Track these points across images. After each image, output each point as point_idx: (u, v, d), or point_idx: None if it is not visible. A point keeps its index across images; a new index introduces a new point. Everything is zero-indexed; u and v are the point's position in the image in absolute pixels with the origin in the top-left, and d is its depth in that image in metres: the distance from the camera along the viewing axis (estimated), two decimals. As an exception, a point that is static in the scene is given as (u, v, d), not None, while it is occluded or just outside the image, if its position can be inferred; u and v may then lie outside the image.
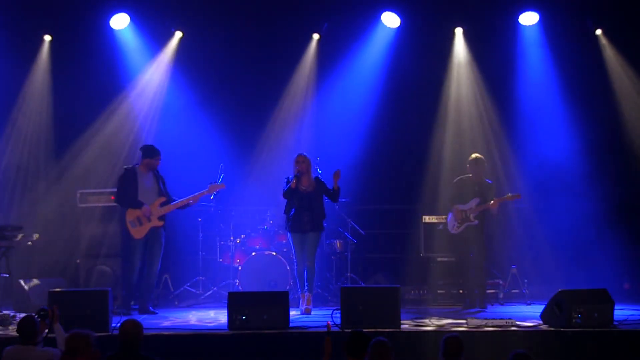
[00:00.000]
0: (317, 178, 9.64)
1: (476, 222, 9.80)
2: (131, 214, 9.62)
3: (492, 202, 9.76)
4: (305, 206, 9.42)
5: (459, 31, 11.87)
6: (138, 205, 9.59)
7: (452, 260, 10.59)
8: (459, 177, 10.17)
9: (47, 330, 6.42)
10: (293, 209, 9.45)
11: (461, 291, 10.28)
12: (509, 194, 9.93)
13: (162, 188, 9.83)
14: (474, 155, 10.10)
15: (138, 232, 9.60)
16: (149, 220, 9.62)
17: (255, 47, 11.77)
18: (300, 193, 9.45)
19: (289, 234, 9.60)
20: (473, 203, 9.83)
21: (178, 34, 11.74)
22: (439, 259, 10.78)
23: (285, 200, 9.59)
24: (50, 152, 11.62)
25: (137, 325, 5.78)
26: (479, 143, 11.56)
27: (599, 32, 11.72)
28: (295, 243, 9.52)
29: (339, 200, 11.03)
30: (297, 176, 9.42)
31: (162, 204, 9.71)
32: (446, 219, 10.22)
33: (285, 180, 9.52)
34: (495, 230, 11.25)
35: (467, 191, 9.90)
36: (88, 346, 5.35)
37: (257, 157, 11.79)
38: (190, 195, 9.83)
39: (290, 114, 11.92)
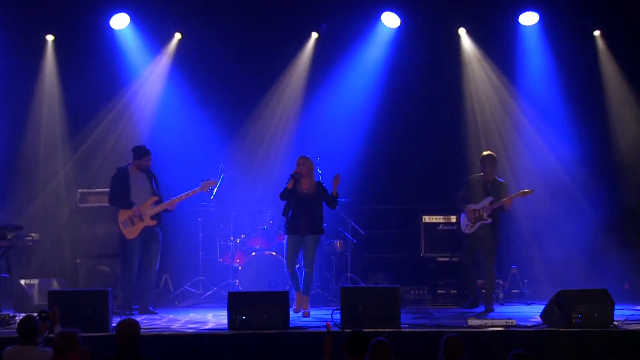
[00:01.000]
0: (319, 183, 9.51)
1: (490, 220, 9.67)
2: (123, 215, 9.62)
3: (506, 199, 9.62)
4: (304, 208, 9.27)
5: (462, 31, 11.85)
6: (128, 205, 9.59)
7: (452, 261, 10.59)
8: (470, 176, 10.02)
9: (47, 331, 6.42)
10: (291, 211, 9.33)
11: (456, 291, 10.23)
12: (523, 190, 9.75)
13: (154, 187, 9.83)
14: (485, 153, 9.94)
15: (130, 232, 9.60)
16: (141, 220, 9.61)
17: (254, 47, 11.76)
18: (300, 195, 9.31)
19: (285, 235, 9.48)
20: (486, 202, 9.70)
21: (177, 35, 11.73)
22: (439, 259, 10.79)
23: (284, 202, 9.46)
24: (51, 151, 11.62)
25: (133, 325, 5.77)
26: (479, 143, 11.57)
27: (597, 33, 11.71)
28: (289, 244, 9.33)
29: (338, 200, 11.06)
30: (295, 177, 9.24)
31: (155, 204, 9.70)
32: (459, 219, 10.16)
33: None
34: (495, 230, 11.26)
35: (479, 190, 9.75)
36: (75, 344, 5.38)
37: (257, 156, 11.78)
38: (183, 194, 9.81)
39: (290, 113, 11.91)
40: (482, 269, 9.87)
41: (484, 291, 9.86)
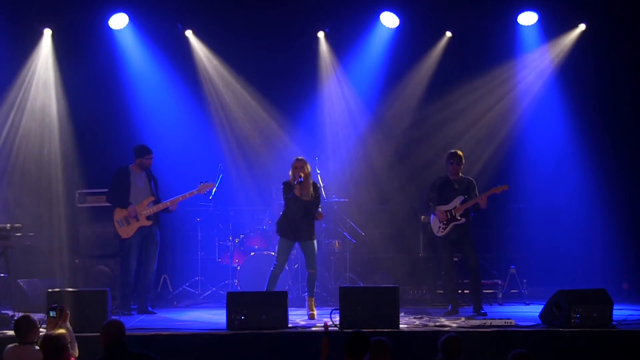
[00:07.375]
0: (315, 184, 9.26)
1: (463, 220, 9.34)
2: (119, 214, 9.63)
3: (481, 197, 9.26)
4: (302, 213, 9.06)
5: (447, 34, 11.88)
6: (125, 204, 9.60)
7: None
8: (437, 177, 9.67)
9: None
10: (290, 215, 9.08)
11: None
12: (496, 187, 9.38)
13: (153, 189, 9.82)
14: (450, 152, 9.56)
15: (125, 232, 9.60)
16: (137, 219, 9.61)
17: (254, 49, 11.74)
18: (299, 199, 9.06)
19: (279, 238, 9.23)
20: (457, 201, 9.37)
21: (176, 32, 11.72)
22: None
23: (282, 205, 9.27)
24: (51, 151, 11.61)
25: (119, 325, 5.75)
26: (479, 142, 11.57)
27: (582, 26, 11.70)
28: (283, 247, 9.12)
29: (337, 200, 11.08)
30: (301, 182, 8.98)
31: (152, 204, 9.69)
32: (429, 221, 9.75)
33: (282, 186, 9.19)
34: (494, 230, 11.27)
35: (449, 191, 9.43)
36: (60, 349, 5.47)
37: (256, 156, 11.78)
38: (179, 195, 9.80)
39: (289, 113, 11.90)
40: (466, 271, 9.60)
41: (466, 291, 9.74)
